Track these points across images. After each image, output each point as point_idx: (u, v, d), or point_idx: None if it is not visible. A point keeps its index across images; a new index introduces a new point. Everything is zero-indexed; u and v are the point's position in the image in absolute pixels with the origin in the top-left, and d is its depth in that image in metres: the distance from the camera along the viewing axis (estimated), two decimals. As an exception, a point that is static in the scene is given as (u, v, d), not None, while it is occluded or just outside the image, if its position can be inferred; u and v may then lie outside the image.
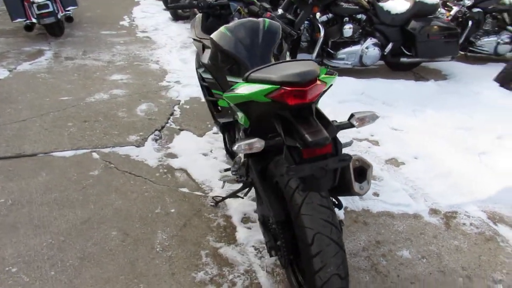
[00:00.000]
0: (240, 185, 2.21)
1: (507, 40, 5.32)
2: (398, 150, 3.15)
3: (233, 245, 2.15)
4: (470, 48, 5.43)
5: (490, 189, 2.67)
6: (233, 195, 2.34)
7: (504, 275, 2.03)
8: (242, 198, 2.41)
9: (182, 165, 2.85)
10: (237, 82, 1.90)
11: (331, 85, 1.50)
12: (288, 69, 1.38)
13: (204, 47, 2.37)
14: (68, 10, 5.72)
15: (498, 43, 5.33)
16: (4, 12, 5.74)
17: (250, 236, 2.21)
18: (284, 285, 1.92)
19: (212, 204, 2.45)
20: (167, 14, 7.48)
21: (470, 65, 5.33)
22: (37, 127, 3.27)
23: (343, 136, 1.50)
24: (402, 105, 3.96)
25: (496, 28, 5.43)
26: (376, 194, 2.62)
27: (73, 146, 3.01)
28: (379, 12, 4.55)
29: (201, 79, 2.43)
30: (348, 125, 1.46)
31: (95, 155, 2.92)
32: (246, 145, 1.39)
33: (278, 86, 1.33)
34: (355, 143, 3.18)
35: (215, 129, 3.37)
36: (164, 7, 7.93)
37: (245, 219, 2.35)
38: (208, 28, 2.44)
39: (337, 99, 3.84)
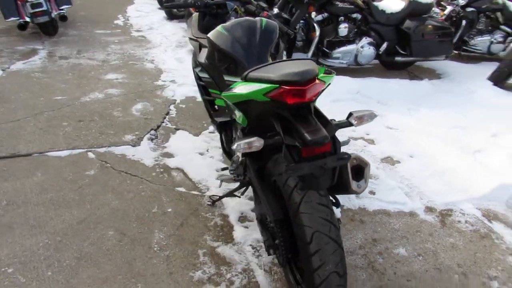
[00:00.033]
0: (237, 184, 2.21)
1: (500, 39, 5.37)
2: (394, 148, 3.17)
3: (231, 244, 2.15)
4: (464, 47, 5.48)
5: (485, 187, 2.69)
6: (230, 194, 2.34)
7: (499, 272, 2.05)
8: (239, 197, 2.42)
9: (178, 165, 2.84)
10: (235, 81, 1.90)
11: (329, 84, 1.51)
12: (287, 68, 1.38)
13: (201, 46, 2.36)
14: (62, 9, 5.68)
15: (491, 42, 5.38)
16: (-3, 11, 5.68)
17: (248, 235, 2.21)
18: (281, 283, 1.92)
19: (209, 203, 2.45)
20: (162, 13, 7.46)
21: (464, 64, 5.38)
22: (31, 126, 3.25)
23: (339, 135, 1.51)
24: (397, 104, 3.98)
25: (490, 28, 5.48)
26: (372, 193, 2.63)
27: (68, 146, 2.99)
28: (374, 11, 4.57)
29: (198, 78, 2.43)
30: (347, 123, 1.47)
31: (90, 154, 2.91)
32: (245, 144, 1.40)
33: (277, 85, 1.33)
34: (351, 142, 3.19)
35: (211, 128, 3.37)
36: (158, 6, 7.90)
37: (242, 218, 2.35)
38: (205, 27, 2.44)
39: (333, 98, 3.86)
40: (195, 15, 2.59)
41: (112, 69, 4.67)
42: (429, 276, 2.01)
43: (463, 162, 2.99)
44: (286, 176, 1.50)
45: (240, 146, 1.40)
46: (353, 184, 1.48)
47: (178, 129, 3.36)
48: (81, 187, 2.54)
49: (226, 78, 2.02)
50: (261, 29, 2.02)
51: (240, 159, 1.79)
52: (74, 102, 3.74)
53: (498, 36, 5.38)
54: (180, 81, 4.35)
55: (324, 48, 4.61)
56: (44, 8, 5.20)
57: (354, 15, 4.63)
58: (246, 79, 1.53)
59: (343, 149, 1.47)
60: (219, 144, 2.77)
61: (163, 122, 3.47)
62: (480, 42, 5.40)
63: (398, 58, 4.74)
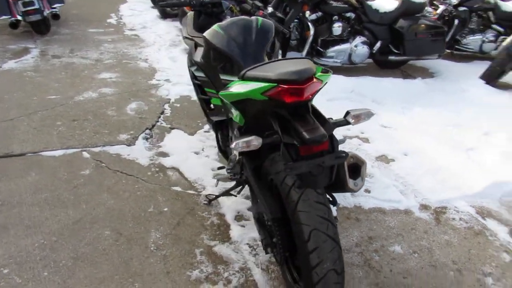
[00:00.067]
0: (233, 183, 2.21)
1: (492, 39, 5.43)
2: (388, 147, 3.19)
3: (227, 243, 2.15)
4: (456, 46, 5.53)
5: (478, 185, 2.72)
6: (226, 193, 2.34)
7: (493, 268, 2.08)
8: (235, 196, 2.42)
9: (174, 164, 2.84)
10: (231, 80, 1.91)
11: (326, 83, 1.52)
12: (284, 67, 1.39)
13: (196, 45, 2.36)
14: (55, 7, 5.63)
15: (483, 42, 5.44)
16: (-12, 9, 5.61)
17: (244, 234, 2.22)
18: (279, 281, 1.93)
19: (205, 202, 2.45)
20: (155, 12, 7.43)
21: (456, 63, 5.43)
22: (25, 126, 3.22)
23: (334, 134, 1.52)
24: (391, 103, 4.01)
25: (481, 27, 5.55)
26: (367, 191, 2.65)
27: (62, 146, 2.97)
28: (367, 10, 4.60)
29: (194, 77, 2.42)
30: (344, 122, 1.48)
31: (85, 154, 2.89)
32: (243, 143, 1.40)
33: (275, 84, 1.34)
34: (345, 141, 3.21)
35: (206, 127, 3.37)
36: (151, 4, 7.86)
37: (239, 217, 2.35)
38: (200, 26, 2.44)
39: (327, 97, 3.87)
40: (190, 14, 2.59)
41: (106, 68, 4.64)
42: (424, 273, 2.03)
43: (456, 160, 3.02)
44: (284, 175, 1.50)
45: (238, 144, 1.40)
46: (350, 183, 1.49)
47: (173, 128, 3.36)
48: (76, 187, 2.53)
49: (222, 77, 2.02)
50: (257, 28, 2.02)
51: (237, 158, 1.79)
52: (67, 101, 3.71)
53: (490, 35, 5.43)
54: (175, 80, 4.34)
55: (318, 47, 4.63)
56: (36, 6, 5.16)
57: (348, 14, 4.65)
58: (244, 78, 1.53)
59: (340, 147, 1.48)
60: (215, 143, 2.77)
61: (158, 121, 3.46)
62: (472, 41, 5.45)
63: (391, 57, 4.77)
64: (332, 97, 3.93)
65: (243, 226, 2.28)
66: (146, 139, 3.17)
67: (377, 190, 2.66)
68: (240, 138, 1.43)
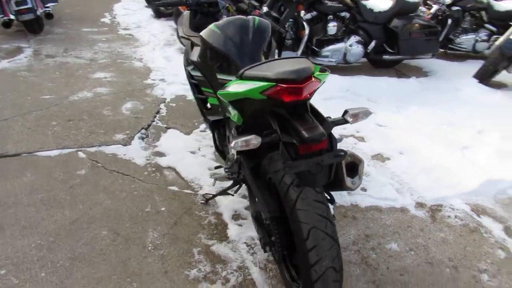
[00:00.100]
0: (230, 182, 2.22)
1: (485, 38, 5.48)
2: (384, 146, 3.21)
3: (225, 242, 2.16)
4: (450, 46, 5.57)
5: (473, 182, 2.75)
6: (224, 192, 2.34)
7: (489, 265, 2.10)
8: (233, 195, 2.43)
9: (170, 164, 2.83)
10: (228, 80, 1.91)
11: (323, 82, 1.52)
12: (283, 66, 1.39)
13: (192, 45, 2.36)
14: (48, 7, 5.56)
15: (476, 41, 5.49)
16: (-20, 9, 5.55)
17: (242, 233, 2.22)
18: (277, 280, 1.94)
19: (203, 201, 2.45)
20: (149, 11, 7.38)
21: (450, 62, 5.48)
22: (19, 126, 3.20)
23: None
24: (386, 102, 4.04)
25: (474, 26, 5.59)
26: (363, 189, 2.66)
27: (58, 146, 2.96)
28: (362, 10, 4.61)
29: (190, 76, 2.42)
30: (343, 121, 1.49)
31: (81, 154, 2.88)
32: (243, 142, 1.40)
33: (274, 83, 1.34)
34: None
35: (202, 127, 3.37)
36: (145, 4, 7.80)
37: (236, 216, 2.36)
38: (196, 26, 2.44)
39: (323, 96, 3.89)
40: (187, 13, 2.58)
41: (100, 68, 4.62)
42: (421, 270, 2.05)
43: (451, 159, 3.04)
44: (283, 173, 1.51)
45: (238, 144, 1.40)
46: (348, 181, 1.50)
47: (169, 128, 3.35)
48: (72, 187, 2.52)
49: (219, 76, 2.02)
50: (253, 28, 2.02)
51: (235, 157, 1.79)
52: (62, 101, 3.69)
53: (483, 34, 5.48)
54: (170, 79, 4.33)
55: (313, 47, 4.64)
56: (29, 5, 5.10)
57: (343, 14, 4.66)
58: (242, 77, 1.54)
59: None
60: (211, 143, 2.77)
61: (153, 121, 3.45)
62: (465, 40, 5.49)
63: (386, 56, 4.80)
64: (327, 96, 3.94)
65: (240, 225, 2.29)
66: (142, 138, 3.16)
67: (373, 188, 2.67)
68: (239, 137, 1.43)
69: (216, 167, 2.48)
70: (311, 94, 1.40)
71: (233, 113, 1.77)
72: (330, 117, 1.50)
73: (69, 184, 2.54)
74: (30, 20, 5.27)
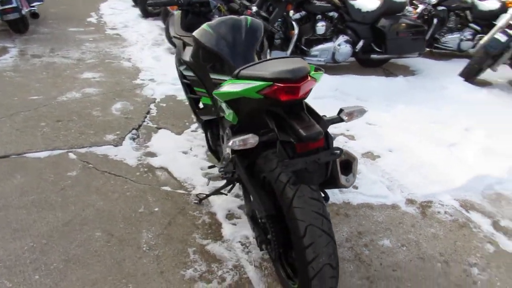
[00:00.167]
0: (224, 182, 2.22)
1: (469, 37, 5.60)
2: (374, 144, 3.26)
3: (220, 242, 2.16)
4: (435, 45, 5.68)
5: (461, 179, 2.81)
6: (217, 192, 2.35)
7: (478, 259, 2.15)
8: (226, 194, 2.44)
9: (162, 164, 2.82)
10: (221, 79, 1.92)
11: (318, 81, 1.54)
12: (279, 66, 1.41)
13: (185, 45, 2.36)
14: (33, 6, 5.49)
15: (461, 40, 5.60)
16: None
17: (236, 232, 2.23)
18: (272, 278, 1.95)
19: (196, 201, 2.45)
20: (136, 11, 7.34)
21: (436, 61, 5.57)
22: (7, 127, 3.15)
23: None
24: (375, 101, 4.09)
25: (459, 26, 5.70)
26: (355, 187, 2.70)
27: (47, 147, 2.92)
28: (350, 10, 4.66)
29: (182, 76, 2.42)
30: (338, 119, 1.51)
31: (71, 155, 2.85)
32: (240, 141, 1.41)
33: (271, 83, 1.36)
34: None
35: (193, 127, 3.36)
36: (132, 3, 7.76)
37: (230, 216, 2.36)
38: (187, 26, 2.44)
39: (313, 95, 3.88)
40: (178, 13, 2.58)
41: (88, 68, 4.57)
42: (413, 265, 2.09)
43: (439, 156, 3.10)
44: (279, 172, 1.53)
45: (235, 143, 1.41)
46: (342, 179, 1.52)
47: (159, 128, 3.34)
48: (64, 189, 2.49)
49: (212, 76, 2.03)
50: (246, 28, 2.03)
51: (230, 156, 1.80)
52: (50, 102, 3.64)
53: (467, 33, 5.60)
54: (159, 79, 4.31)
55: (302, 46, 4.67)
56: (14, 4, 5.02)
57: (331, 14, 4.71)
58: (238, 77, 1.54)
59: (332, 144, 1.51)
60: (202, 143, 2.77)
61: (144, 121, 3.43)
62: (451, 39, 5.60)
63: (373, 56, 4.86)
64: (317, 95, 3.95)
65: (234, 224, 2.29)
66: (133, 139, 3.14)
67: (364, 186, 2.71)
68: (236, 136, 1.44)
69: (210, 167, 2.48)
70: (307, 93, 1.42)
71: (228, 112, 1.78)
72: (325, 116, 1.52)
73: (60, 186, 2.51)
74: (15, 19, 5.20)
